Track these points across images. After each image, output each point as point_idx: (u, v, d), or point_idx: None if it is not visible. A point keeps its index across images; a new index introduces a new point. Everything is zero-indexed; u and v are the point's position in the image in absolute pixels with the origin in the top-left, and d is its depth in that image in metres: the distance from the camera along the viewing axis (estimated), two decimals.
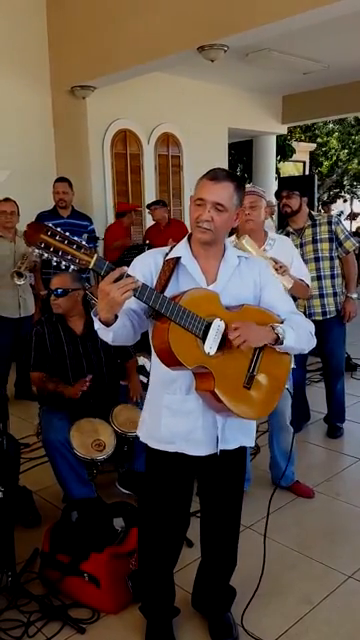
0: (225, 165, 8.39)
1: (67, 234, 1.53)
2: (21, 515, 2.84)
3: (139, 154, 7.26)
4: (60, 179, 5.24)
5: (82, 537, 2.34)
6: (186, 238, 1.86)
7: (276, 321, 1.83)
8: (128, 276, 1.56)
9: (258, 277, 1.89)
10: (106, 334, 1.71)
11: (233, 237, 2.93)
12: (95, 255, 1.55)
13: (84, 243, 1.55)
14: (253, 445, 2.04)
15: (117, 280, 1.54)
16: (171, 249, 1.85)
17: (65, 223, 5.03)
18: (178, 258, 1.79)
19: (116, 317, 1.65)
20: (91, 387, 2.95)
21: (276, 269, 2.66)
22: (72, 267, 1.53)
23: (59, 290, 2.97)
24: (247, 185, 2.94)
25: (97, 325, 1.71)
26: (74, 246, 1.53)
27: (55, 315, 3.07)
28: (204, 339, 1.68)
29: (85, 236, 5.17)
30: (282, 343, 1.78)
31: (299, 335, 1.83)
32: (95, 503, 2.63)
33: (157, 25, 4.86)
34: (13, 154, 5.93)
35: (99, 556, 2.25)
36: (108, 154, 6.89)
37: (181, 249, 1.83)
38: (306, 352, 1.97)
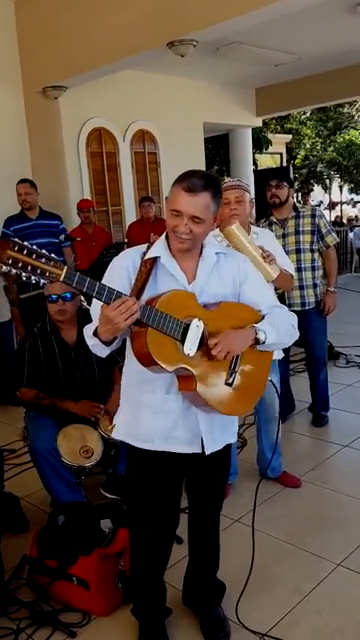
0: (202, 159, 8.39)
1: (34, 247, 1.49)
2: (8, 522, 2.82)
3: (115, 152, 7.22)
4: (21, 180, 5.04)
5: (69, 541, 2.33)
6: (164, 237, 1.82)
7: (255, 317, 1.83)
8: (123, 297, 1.57)
9: (237, 272, 1.87)
10: (102, 351, 1.75)
11: (217, 230, 2.91)
12: (65, 267, 1.52)
13: (53, 255, 1.51)
14: (236, 440, 2.04)
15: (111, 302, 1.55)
16: (148, 247, 1.82)
17: (35, 225, 4.93)
18: (156, 258, 1.77)
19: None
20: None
21: (264, 257, 2.65)
22: (42, 281, 1.51)
23: (68, 294, 2.85)
24: (231, 179, 2.93)
25: (92, 342, 1.73)
26: (43, 259, 1.49)
27: (49, 324, 2.99)
28: (183, 340, 1.67)
29: (63, 237, 5.13)
30: (264, 342, 1.78)
31: (280, 331, 1.83)
32: (81, 506, 2.61)
33: (125, 22, 4.82)
34: None
35: (87, 559, 2.24)
36: (84, 153, 6.84)
37: (159, 248, 1.80)
38: (290, 344, 1.98)
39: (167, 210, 1.75)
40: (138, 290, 1.71)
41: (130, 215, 7.33)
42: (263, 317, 1.85)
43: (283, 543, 2.64)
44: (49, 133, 6.37)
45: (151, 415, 1.84)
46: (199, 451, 1.86)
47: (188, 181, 1.68)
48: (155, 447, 1.85)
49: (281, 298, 3.66)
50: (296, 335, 1.94)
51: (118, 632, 2.16)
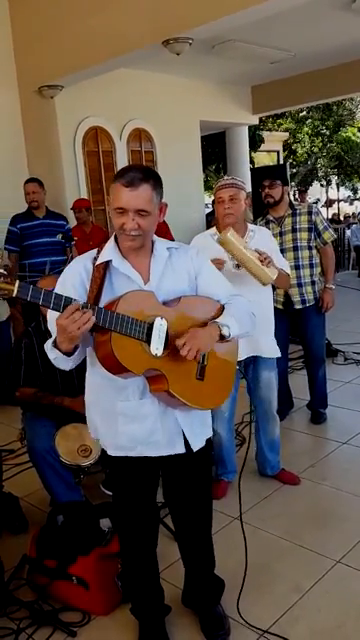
0: (199, 158, 8.36)
1: None
2: (8, 521, 2.82)
3: (111, 151, 7.20)
4: (29, 180, 5.16)
5: (68, 540, 2.32)
6: (113, 239, 1.79)
7: (216, 307, 1.84)
8: (77, 304, 1.55)
9: (191, 265, 1.86)
10: (65, 363, 1.72)
11: (214, 229, 2.91)
12: (17, 282, 1.50)
13: (1, 271, 1.50)
14: (212, 435, 2.02)
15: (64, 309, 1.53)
16: (98, 252, 1.79)
17: (41, 224, 4.98)
18: (108, 262, 1.75)
19: (76, 346, 1.65)
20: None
21: (261, 260, 2.64)
22: None
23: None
24: (226, 177, 2.93)
25: (53, 355, 1.70)
26: None
27: (44, 323, 2.97)
28: (148, 341, 1.65)
29: (59, 236, 5.13)
30: (229, 336, 1.78)
31: (241, 321, 1.83)
32: (80, 505, 2.61)
33: (121, 21, 4.82)
34: None
35: (86, 558, 2.24)
36: (80, 153, 6.82)
37: (110, 251, 1.77)
38: (251, 335, 1.98)
39: (111, 210, 1.71)
40: (94, 296, 1.68)
41: None
42: (223, 307, 1.85)
43: (282, 540, 2.64)
44: (45, 132, 6.37)
45: (128, 424, 1.81)
46: (182, 451, 1.85)
47: (126, 176, 1.65)
48: (137, 453, 1.84)
49: (287, 299, 3.67)
50: (256, 322, 1.96)
51: (118, 631, 2.16)
